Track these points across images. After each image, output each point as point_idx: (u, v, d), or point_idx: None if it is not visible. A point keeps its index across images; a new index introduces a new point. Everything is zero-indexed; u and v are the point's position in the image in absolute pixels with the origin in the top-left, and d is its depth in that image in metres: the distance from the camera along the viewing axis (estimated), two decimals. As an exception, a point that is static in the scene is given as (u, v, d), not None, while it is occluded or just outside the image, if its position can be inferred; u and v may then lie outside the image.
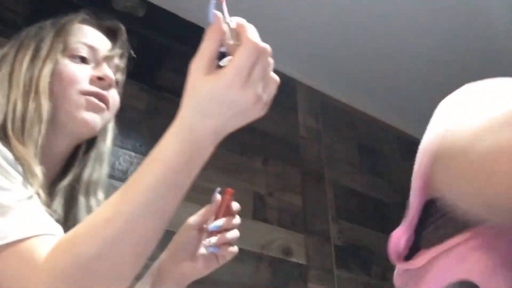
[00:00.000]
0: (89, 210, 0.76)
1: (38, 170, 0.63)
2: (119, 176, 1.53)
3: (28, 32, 0.79)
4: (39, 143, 0.67)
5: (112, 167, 1.51)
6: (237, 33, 0.49)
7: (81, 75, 0.74)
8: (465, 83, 0.60)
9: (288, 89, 2.21)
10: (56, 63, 0.73)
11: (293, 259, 1.78)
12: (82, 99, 0.73)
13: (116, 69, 0.80)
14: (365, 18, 1.94)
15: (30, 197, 0.57)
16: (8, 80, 0.72)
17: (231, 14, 0.50)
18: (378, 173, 2.33)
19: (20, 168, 0.61)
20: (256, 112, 0.51)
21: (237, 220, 0.74)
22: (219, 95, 0.48)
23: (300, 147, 2.10)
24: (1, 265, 0.51)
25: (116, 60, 0.81)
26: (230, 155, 1.81)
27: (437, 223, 0.51)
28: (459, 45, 2.02)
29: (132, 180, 0.51)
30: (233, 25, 0.49)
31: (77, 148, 0.80)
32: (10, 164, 0.60)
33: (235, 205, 0.75)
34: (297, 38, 2.05)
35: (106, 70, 0.76)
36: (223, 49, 0.50)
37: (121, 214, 0.49)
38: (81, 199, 0.76)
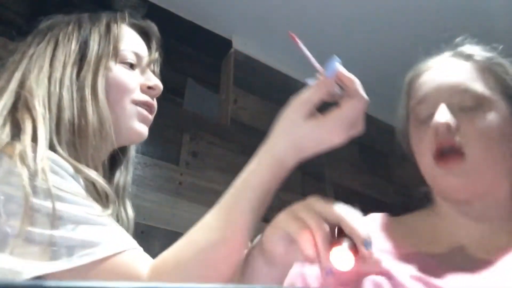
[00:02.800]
0: (118, 219, 0.72)
1: (100, 180, 0.61)
2: (119, 176, 1.52)
3: (63, 27, 0.72)
4: (95, 155, 0.64)
5: (112, 167, 1.51)
6: (342, 83, 0.55)
7: (133, 83, 0.71)
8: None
9: (288, 89, 2.20)
10: (109, 69, 0.68)
11: (293, 259, 1.78)
12: (134, 109, 0.71)
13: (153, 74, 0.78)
14: (366, 18, 1.94)
15: (107, 213, 0.57)
16: (48, 83, 0.64)
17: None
18: (378, 173, 2.33)
19: (81, 181, 0.58)
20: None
21: None
22: (317, 137, 0.54)
23: (300, 147, 2.10)
24: (100, 275, 0.50)
25: (152, 66, 0.79)
26: (230, 155, 1.80)
27: None
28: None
29: (228, 205, 0.54)
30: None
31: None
32: (72, 177, 0.57)
33: None
34: (297, 38, 2.05)
35: (156, 80, 0.75)
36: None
37: (225, 239, 0.52)
38: (112, 207, 0.73)
